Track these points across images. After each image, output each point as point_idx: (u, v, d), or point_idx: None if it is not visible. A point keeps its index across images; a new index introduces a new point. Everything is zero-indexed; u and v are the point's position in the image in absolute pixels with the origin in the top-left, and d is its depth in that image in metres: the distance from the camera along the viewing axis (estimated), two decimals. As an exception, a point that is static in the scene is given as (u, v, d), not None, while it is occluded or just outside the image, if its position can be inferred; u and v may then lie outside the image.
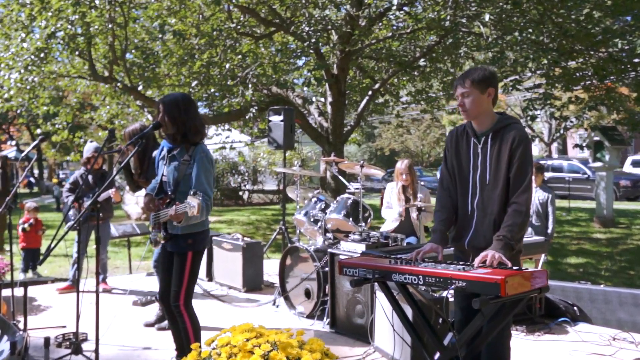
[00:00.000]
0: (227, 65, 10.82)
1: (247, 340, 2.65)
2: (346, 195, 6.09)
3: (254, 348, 2.59)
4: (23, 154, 5.67)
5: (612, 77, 10.05)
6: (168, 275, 3.97)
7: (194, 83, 11.45)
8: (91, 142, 7.25)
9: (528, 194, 3.05)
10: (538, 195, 7.19)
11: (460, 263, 3.00)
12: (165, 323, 5.46)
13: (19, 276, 7.47)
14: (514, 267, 2.82)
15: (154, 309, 5.82)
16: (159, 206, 3.91)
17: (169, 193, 3.86)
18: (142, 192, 5.89)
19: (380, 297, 4.50)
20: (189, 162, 3.81)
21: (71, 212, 6.67)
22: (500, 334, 3.07)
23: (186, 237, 3.85)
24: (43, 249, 7.99)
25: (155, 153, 4.20)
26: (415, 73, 12.69)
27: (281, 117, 8.49)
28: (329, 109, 11.49)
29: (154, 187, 4.03)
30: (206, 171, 3.81)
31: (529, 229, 6.58)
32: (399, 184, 6.30)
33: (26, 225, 7.78)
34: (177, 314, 3.88)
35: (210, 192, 3.79)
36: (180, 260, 3.87)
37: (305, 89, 13.93)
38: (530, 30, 8.90)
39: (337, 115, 11.34)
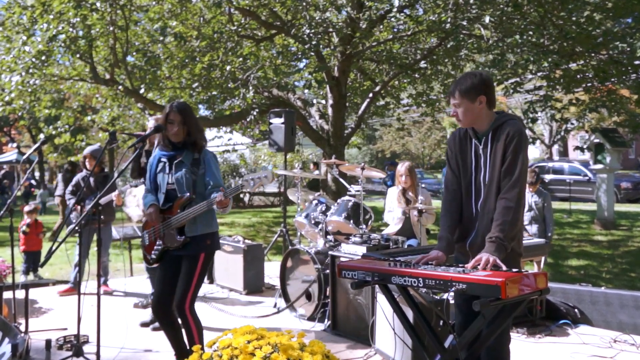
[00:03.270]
0: (228, 68, 10.84)
1: (249, 342, 2.65)
2: (347, 197, 6.10)
3: (255, 350, 2.59)
4: (24, 157, 5.69)
5: (612, 79, 10.05)
6: (169, 282, 3.95)
7: (195, 85, 11.46)
8: (96, 144, 7.28)
9: (518, 189, 3.00)
10: (534, 200, 7.22)
11: (460, 265, 3.00)
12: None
13: (20, 279, 7.48)
14: (514, 270, 2.82)
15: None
16: (163, 217, 3.92)
17: (188, 194, 3.88)
18: (141, 191, 5.90)
19: (381, 300, 4.50)
20: (199, 163, 3.91)
21: (73, 215, 6.67)
22: (500, 337, 3.06)
23: (204, 238, 3.90)
24: (44, 252, 8.00)
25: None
26: (416, 75, 12.71)
27: (282, 120, 8.50)
28: (329, 111, 11.51)
29: (155, 199, 4.02)
30: (217, 168, 3.99)
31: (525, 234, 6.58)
32: (399, 187, 6.30)
33: (24, 227, 7.79)
34: (181, 317, 3.87)
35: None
36: (190, 263, 3.87)
37: (306, 91, 13.97)
38: (530, 32, 8.92)
39: (337, 118, 11.36)
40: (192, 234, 3.87)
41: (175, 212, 3.89)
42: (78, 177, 7.10)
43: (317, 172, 15.68)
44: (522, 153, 3.04)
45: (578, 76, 10.33)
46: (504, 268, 2.84)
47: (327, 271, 5.50)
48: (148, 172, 4.11)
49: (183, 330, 3.93)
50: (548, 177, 22.57)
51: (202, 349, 2.82)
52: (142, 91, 11.82)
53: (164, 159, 3.99)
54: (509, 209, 2.98)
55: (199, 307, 6.25)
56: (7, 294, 5.19)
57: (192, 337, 3.85)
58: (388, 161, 17.74)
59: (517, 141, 3.04)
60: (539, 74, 9.94)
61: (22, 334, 4.43)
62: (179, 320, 3.91)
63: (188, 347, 3.89)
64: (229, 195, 3.69)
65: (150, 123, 5.39)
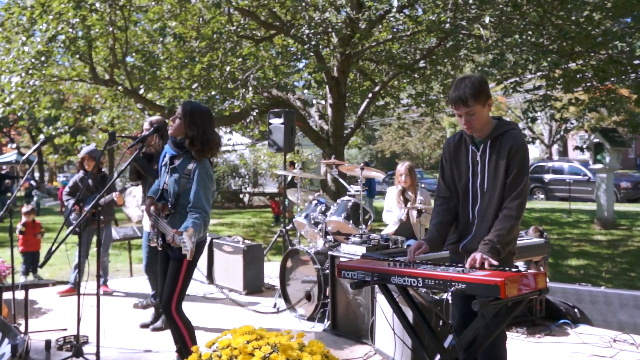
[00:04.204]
0: (228, 68, 10.84)
1: (248, 342, 2.65)
2: (346, 197, 6.10)
3: (255, 350, 2.59)
4: (24, 157, 5.69)
5: (612, 79, 10.05)
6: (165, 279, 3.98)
7: (195, 86, 11.47)
8: (91, 145, 7.27)
9: (520, 200, 3.05)
10: None
11: (459, 265, 3.00)
12: (159, 323, 5.47)
13: (20, 279, 7.47)
14: (512, 269, 2.82)
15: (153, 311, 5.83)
16: (159, 211, 3.93)
17: (169, 205, 3.88)
18: (140, 191, 5.91)
19: (381, 300, 4.50)
20: (189, 177, 3.83)
21: (72, 216, 6.67)
22: (496, 335, 3.07)
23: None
24: (42, 252, 7.99)
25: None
26: (416, 75, 12.71)
27: (281, 120, 8.50)
28: (329, 111, 11.51)
29: (156, 190, 4.04)
30: (205, 187, 3.84)
31: None
32: (398, 186, 6.30)
33: (20, 226, 7.79)
34: (169, 319, 3.91)
35: (208, 208, 3.85)
36: (175, 266, 3.89)
37: (305, 91, 13.97)
38: (530, 32, 8.92)
39: (337, 118, 11.36)
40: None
41: (162, 213, 3.92)
42: (75, 177, 7.10)
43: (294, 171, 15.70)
44: (527, 165, 3.10)
45: (577, 76, 10.33)
46: (497, 265, 2.85)
47: (327, 271, 5.50)
48: (159, 165, 4.14)
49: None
50: (548, 177, 22.59)
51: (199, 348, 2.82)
52: (141, 91, 11.82)
53: (168, 156, 4.00)
54: (510, 218, 3.03)
55: (201, 307, 6.27)
56: (6, 295, 5.19)
57: (182, 337, 3.89)
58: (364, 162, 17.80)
59: (522, 153, 3.08)
60: (539, 73, 9.94)
61: (22, 335, 4.43)
62: (169, 322, 3.93)
63: (181, 348, 3.92)
64: (177, 242, 3.57)
65: (146, 125, 5.39)
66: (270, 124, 8.73)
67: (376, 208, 14.99)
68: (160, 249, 3.93)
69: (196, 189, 3.80)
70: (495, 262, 2.87)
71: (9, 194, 19.39)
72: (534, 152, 37.11)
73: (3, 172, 22.81)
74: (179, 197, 3.86)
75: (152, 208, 3.95)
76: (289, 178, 12.69)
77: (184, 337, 3.89)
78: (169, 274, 3.90)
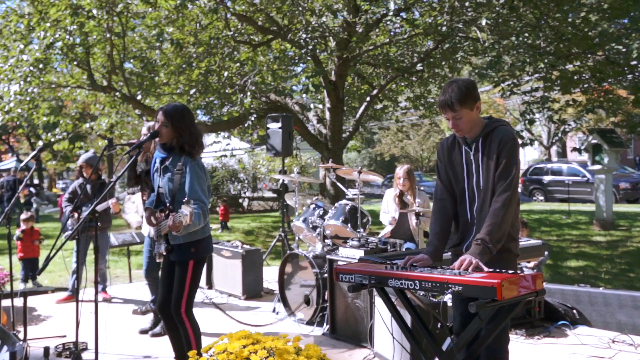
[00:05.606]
0: (226, 73, 10.85)
1: (244, 347, 2.66)
2: (344, 201, 6.11)
3: (251, 355, 2.60)
4: (22, 164, 5.70)
5: (609, 80, 10.06)
6: (169, 284, 3.98)
7: (193, 91, 11.48)
8: (90, 151, 7.28)
9: (509, 193, 3.02)
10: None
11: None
12: (158, 329, 5.48)
13: (19, 286, 7.47)
14: (510, 271, 2.83)
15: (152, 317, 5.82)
16: (159, 218, 3.93)
17: (167, 204, 3.88)
18: (139, 197, 5.91)
19: (379, 303, 4.50)
20: (182, 172, 3.84)
21: (69, 222, 6.68)
22: (498, 338, 3.07)
23: (189, 246, 3.88)
24: (41, 259, 7.99)
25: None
26: (414, 78, 12.73)
27: (279, 124, 8.52)
28: (327, 115, 11.52)
29: (152, 200, 4.04)
30: (199, 179, 3.84)
31: None
32: (396, 189, 6.31)
33: (18, 232, 7.79)
34: (178, 322, 3.90)
35: (206, 199, 3.84)
36: (181, 269, 3.89)
37: (303, 95, 13.99)
38: (526, 34, 8.94)
39: (335, 122, 11.37)
40: (175, 242, 3.89)
41: (162, 217, 3.92)
42: (75, 184, 7.12)
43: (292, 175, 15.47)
44: (515, 158, 3.07)
45: (575, 77, 10.34)
46: (486, 269, 2.84)
47: (326, 275, 5.50)
48: (151, 173, 4.15)
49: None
50: (547, 178, 22.61)
51: (199, 353, 2.82)
52: (139, 97, 11.83)
53: (157, 160, 4.01)
54: (498, 211, 3.00)
55: (200, 312, 6.26)
56: (5, 302, 5.19)
57: (189, 341, 3.88)
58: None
59: (511, 146, 3.06)
60: (536, 75, 9.95)
61: (21, 342, 4.43)
62: (178, 325, 3.93)
63: (187, 352, 3.90)
64: (177, 219, 3.58)
65: (144, 129, 5.40)
66: (268, 128, 8.75)
67: (374, 211, 14.99)
68: (164, 253, 3.93)
69: (190, 182, 3.81)
70: (485, 268, 2.87)
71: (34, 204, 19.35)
72: (533, 153, 37.11)
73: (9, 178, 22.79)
74: (176, 194, 3.86)
75: (152, 218, 3.96)
76: (282, 182, 12.68)
77: (191, 341, 3.88)
78: (176, 278, 3.90)
